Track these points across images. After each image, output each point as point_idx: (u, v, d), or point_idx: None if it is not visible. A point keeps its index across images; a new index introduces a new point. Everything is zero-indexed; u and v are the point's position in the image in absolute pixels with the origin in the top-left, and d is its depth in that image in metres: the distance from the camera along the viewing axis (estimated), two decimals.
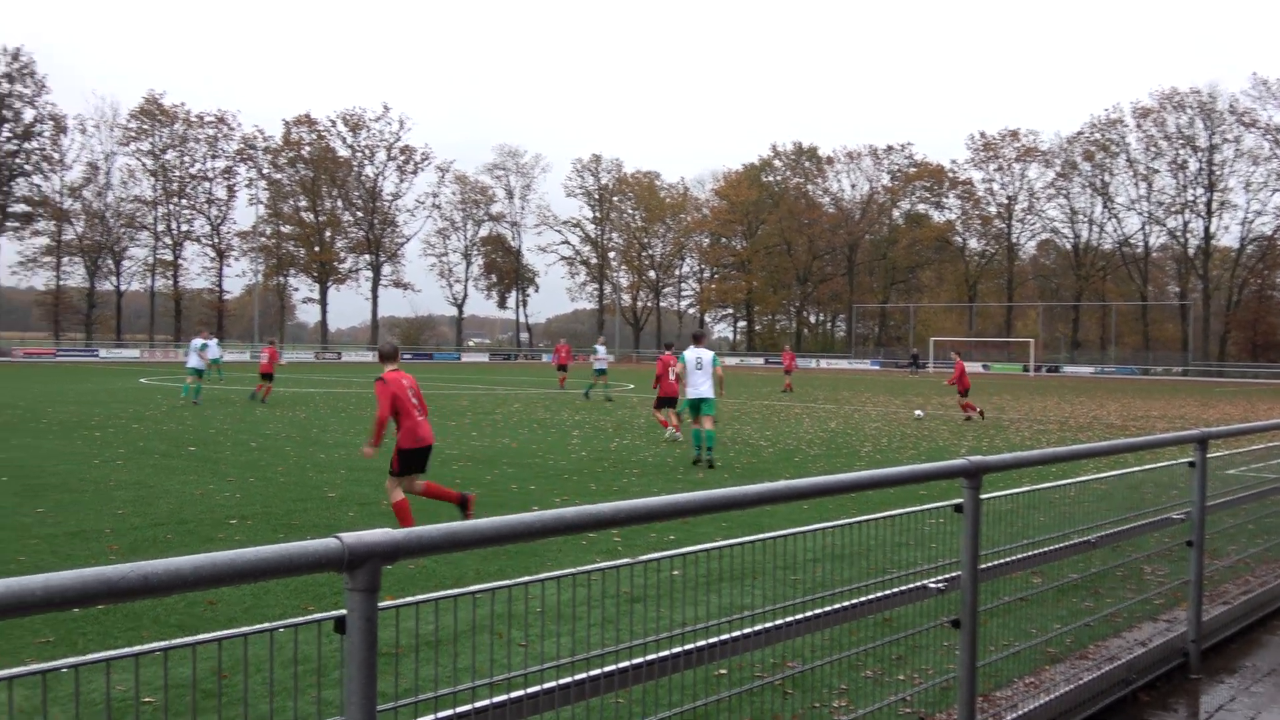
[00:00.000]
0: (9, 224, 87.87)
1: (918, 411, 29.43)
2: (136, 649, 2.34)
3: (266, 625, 2.43)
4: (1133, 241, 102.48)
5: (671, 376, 20.78)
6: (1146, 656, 5.88)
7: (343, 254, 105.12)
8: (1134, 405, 38.25)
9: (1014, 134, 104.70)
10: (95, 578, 1.93)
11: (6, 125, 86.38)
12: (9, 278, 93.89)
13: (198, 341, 30.80)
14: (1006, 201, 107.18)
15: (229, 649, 5.69)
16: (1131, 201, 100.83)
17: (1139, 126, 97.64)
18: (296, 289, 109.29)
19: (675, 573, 7.32)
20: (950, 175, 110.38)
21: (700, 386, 16.87)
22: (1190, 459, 6.46)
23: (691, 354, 17.19)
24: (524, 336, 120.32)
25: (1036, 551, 5.32)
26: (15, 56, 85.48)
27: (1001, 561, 4.97)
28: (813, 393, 43.34)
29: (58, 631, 6.64)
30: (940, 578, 4.38)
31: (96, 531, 10.17)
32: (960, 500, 4.20)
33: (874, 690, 5.40)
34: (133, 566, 1.98)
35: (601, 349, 36.49)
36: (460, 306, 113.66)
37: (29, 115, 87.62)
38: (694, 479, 14.89)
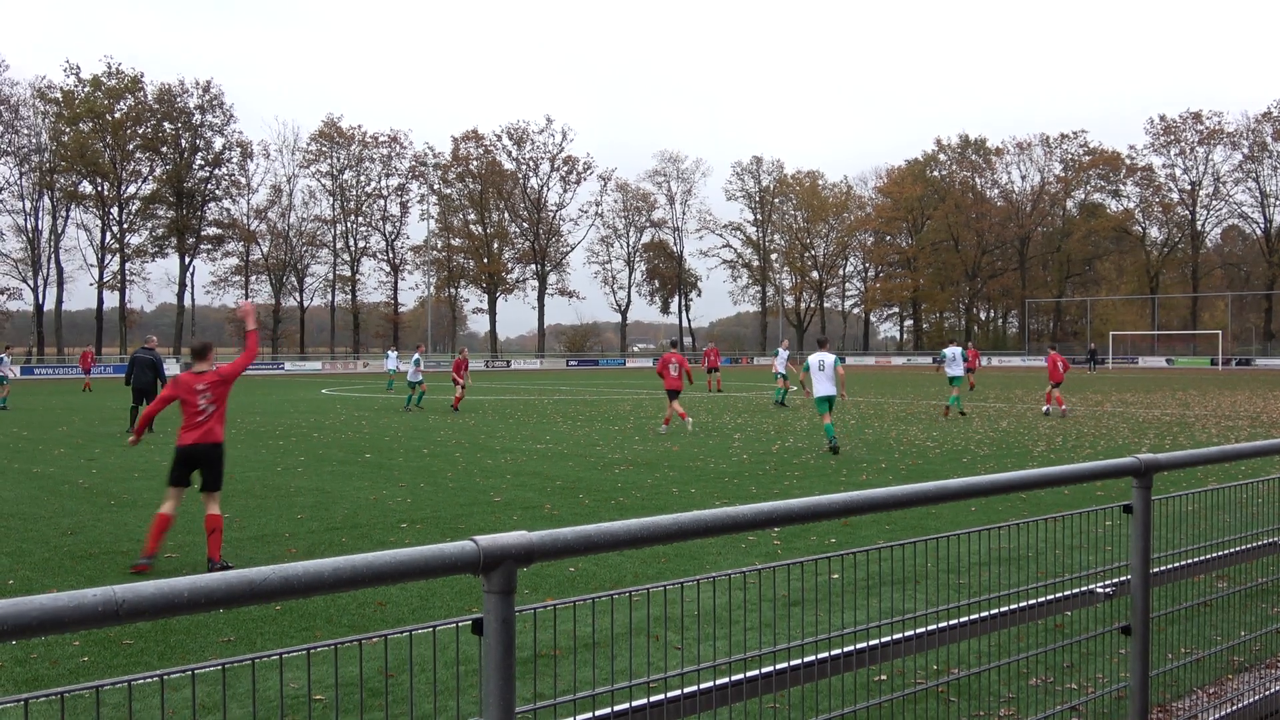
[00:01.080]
0: (202, 246, 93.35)
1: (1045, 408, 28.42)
2: (267, 653, 2.42)
3: (405, 628, 2.47)
4: None
5: (674, 372, 22.78)
6: None
7: (510, 264, 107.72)
8: None
9: (1196, 115, 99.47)
10: (239, 580, 2.00)
11: (199, 154, 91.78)
12: (203, 297, 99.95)
13: (416, 357, 32.47)
14: (1190, 187, 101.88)
15: (394, 648, 5.87)
16: None
17: None
18: (467, 300, 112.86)
19: (835, 575, 7.21)
20: (1128, 162, 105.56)
21: (824, 386, 18.86)
22: None
23: (815, 358, 19.13)
24: (687, 341, 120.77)
25: (1219, 554, 5.00)
26: (206, 89, 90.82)
27: (1179, 564, 4.69)
28: (984, 391, 42.04)
29: (238, 630, 6.97)
30: (1108, 582, 4.16)
31: (277, 535, 10.65)
32: (1129, 501, 3.98)
33: (1042, 699, 5.17)
34: (275, 569, 2.04)
35: (784, 352, 36.18)
36: (624, 313, 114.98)
37: (218, 143, 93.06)
38: (856, 480, 14.63)
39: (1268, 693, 4.93)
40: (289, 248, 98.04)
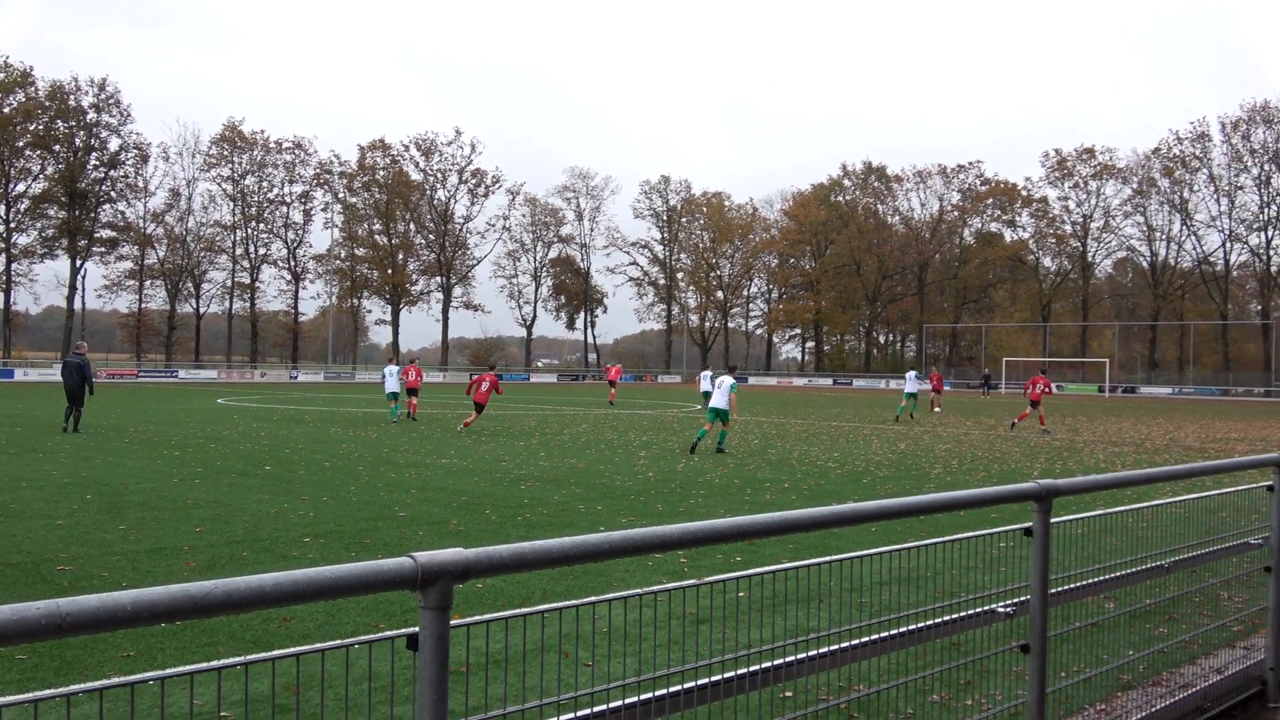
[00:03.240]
0: (95, 249, 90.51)
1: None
2: (219, 663, 2.43)
3: (342, 641, 2.51)
4: (1212, 259, 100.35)
5: (484, 388, 27.09)
6: (1223, 684, 5.75)
7: (415, 276, 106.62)
8: (1213, 427, 37.34)
9: (1089, 151, 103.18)
10: (182, 593, 2.02)
11: (94, 154, 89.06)
12: (94, 301, 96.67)
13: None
14: (1082, 219, 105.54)
15: (304, 664, 5.81)
16: (1212, 218, 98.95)
17: (1227, 140, 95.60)
18: (370, 311, 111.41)
19: (741, 594, 7.33)
20: (1024, 193, 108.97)
21: (719, 400, 22.64)
22: (1270, 483, 6.32)
23: (724, 376, 23.11)
24: (592, 357, 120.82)
25: (1109, 576, 5.24)
26: (101, 87, 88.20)
27: (1073, 586, 4.91)
28: (881, 413, 42.91)
29: (138, 646, 6.82)
30: (1009, 602, 4.35)
31: (175, 549, 10.43)
32: (1030, 524, 4.17)
33: (942, 715, 5.36)
34: (217, 583, 2.07)
35: (706, 373, 38.19)
36: (529, 327, 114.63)
37: (114, 144, 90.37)
38: (761, 500, 14.85)
39: (1153, 709, 5.18)
40: (186, 253, 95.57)
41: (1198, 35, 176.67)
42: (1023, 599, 4.39)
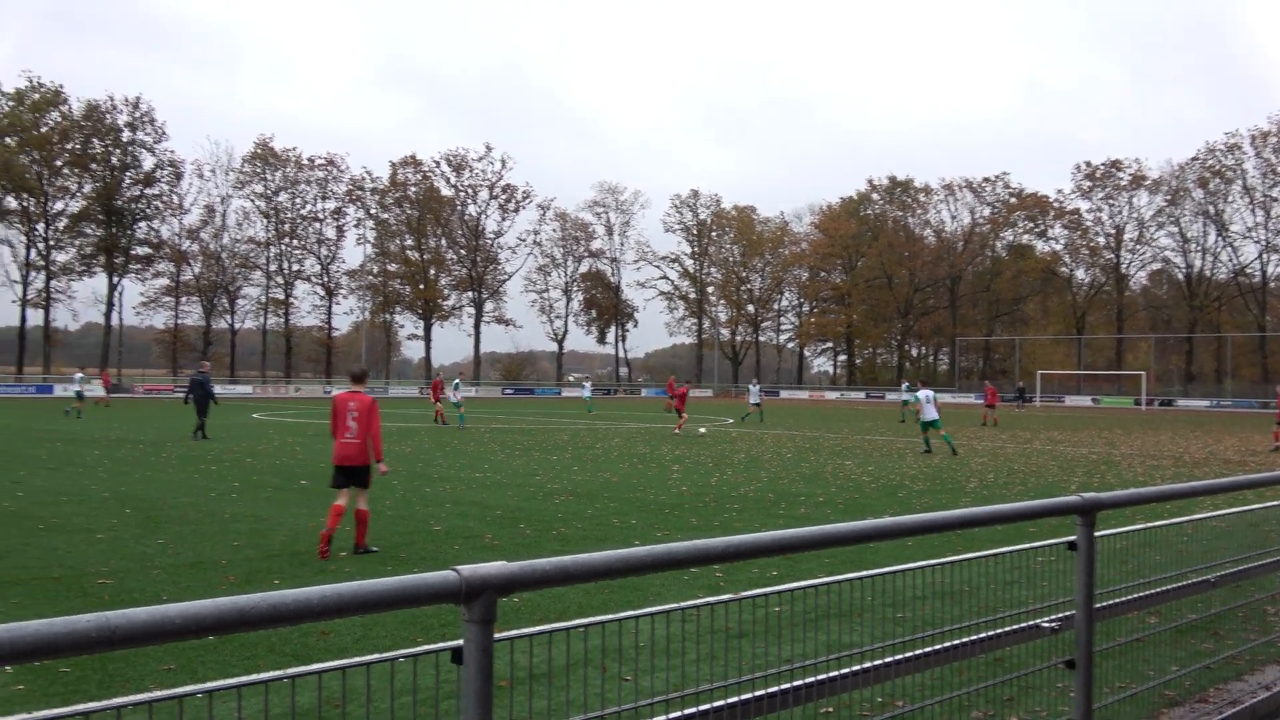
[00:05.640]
0: (132, 266, 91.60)
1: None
2: (264, 675, 2.44)
3: (387, 655, 2.51)
4: (1249, 270, 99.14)
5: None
6: (1271, 701, 5.66)
7: (446, 291, 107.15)
8: (1253, 440, 36.83)
9: (1117, 164, 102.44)
10: (229, 606, 2.03)
11: (129, 172, 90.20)
12: (132, 317, 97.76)
13: (457, 380, 40.31)
14: (1115, 231, 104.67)
15: (342, 678, 5.83)
16: (1248, 229, 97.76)
17: (1257, 153, 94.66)
18: (402, 325, 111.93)
19: (778, 609, 7.29)
20: (1055, 205, 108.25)
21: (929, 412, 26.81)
22: None
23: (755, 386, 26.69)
24: (623, 371, 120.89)
25: (1153, 591, 5.17)
26: (135, 105, 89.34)
27: (1116, 601, 4.85)
28: (914, 428, 42.62)
29: (179, 659, 6.87)
30: (1054, 617, 4.30)
31: (213, 562, 10.50)
32: (1073, 538, 4.12)
33: None
34: (263, 596, 2.08)
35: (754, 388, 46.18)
36: (560, 342, 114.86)
37: (149, 162, 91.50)
38: (796, 514, 14.79)
39: None
40: (221, 269, 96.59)
41: (1223, 46, 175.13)
42: (1066, 614, 4.33)
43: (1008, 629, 4.29)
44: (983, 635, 4.22)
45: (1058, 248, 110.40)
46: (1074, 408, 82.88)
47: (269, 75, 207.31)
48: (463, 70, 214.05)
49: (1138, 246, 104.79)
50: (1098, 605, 4.46)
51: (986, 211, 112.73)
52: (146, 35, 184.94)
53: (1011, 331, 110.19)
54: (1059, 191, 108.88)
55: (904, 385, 48.46)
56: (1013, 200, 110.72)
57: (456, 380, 40.28)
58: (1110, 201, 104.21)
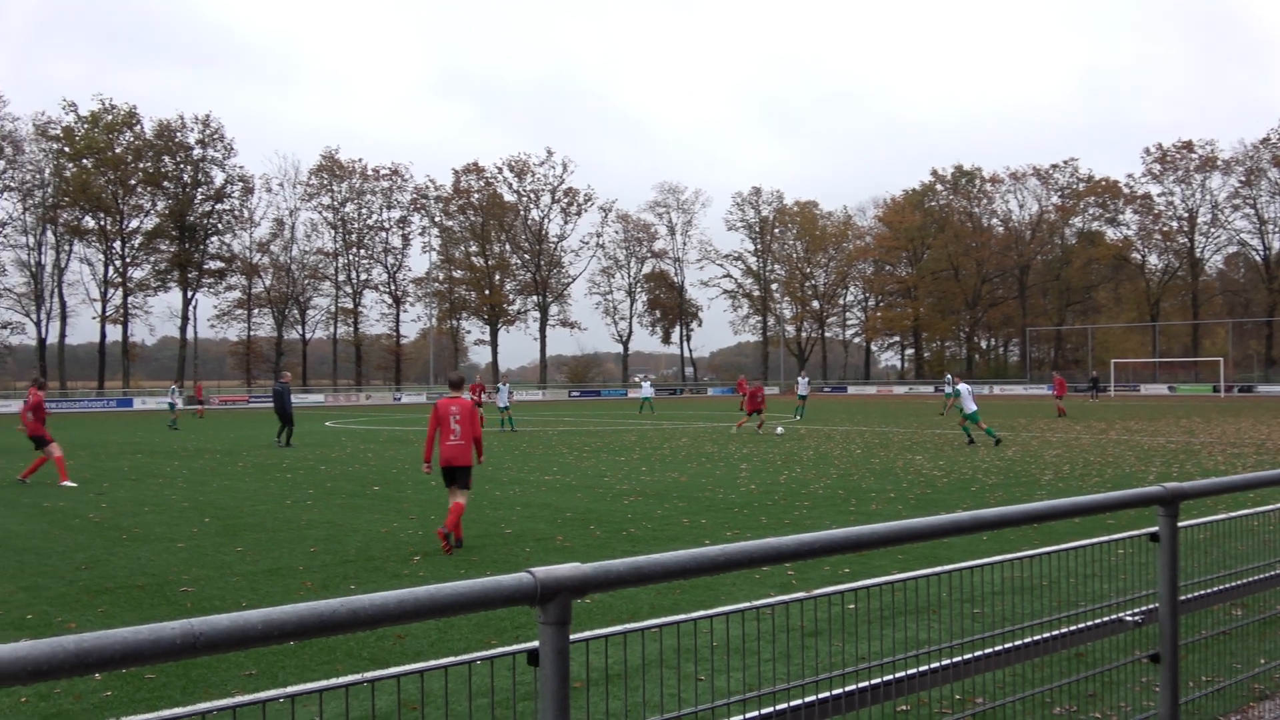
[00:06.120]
0: (205, 280, 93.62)
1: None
2: (345, 680, 2.47)
3: (464, 657, 2.53)
4: None
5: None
6: None
7: (511, 296, 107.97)
8: None
9: (1188, 145, 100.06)
10: (309, 612, 2.06)
11: (201, 188, 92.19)
12: (206, 330, 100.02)
13: (500, 386, 41.13)
14: (1188, 214, 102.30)
15: (416, 681, 5.89)
16: None
17: None
18: (469, 331, 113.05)
19: (851, 606, 7.24)
20: (1126, 190, 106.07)
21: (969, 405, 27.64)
22: None
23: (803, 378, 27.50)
24: (689, 371, 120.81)
25: (1238, 582, 5.04)
26: (205, 123, 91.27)
27: (1200, 594, 4.73)
28: (988, 420, 42.08)
29: (259, 664, 6.99)
30: (1136, 610, 4.20)
31: (291, 569, 10.68)
32: (1155, 529, 4.03)
33: None
34: (343, 601, 2.10)
35: (803, 380, 46.96)
36: (625, 343, 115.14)
37: (219, 178, 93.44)
38: (867, 510, 14.65)
39: None
40: (291, 280, 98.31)
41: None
42: (1149, 607, 4.24)
43: (1088, 624, 4.21)
44: (1063, 630, 4.14)
45: (1129, 233, 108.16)
46: (1149, 396, 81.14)
47: (325, 91, 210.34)
48: (514, 78, 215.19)
49: (1212, 229, 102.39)
50: (1186, 597, 4.36)
51: (1055, 198, 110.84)
52: (205, 56, 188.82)
53: (1083, 320, 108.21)
54: (1129, 176, 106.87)
55: (947, 377, 48.67)
56: (1082, 186, 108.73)
57: (500, 385, 40.96)
58: (1182, 184, 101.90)
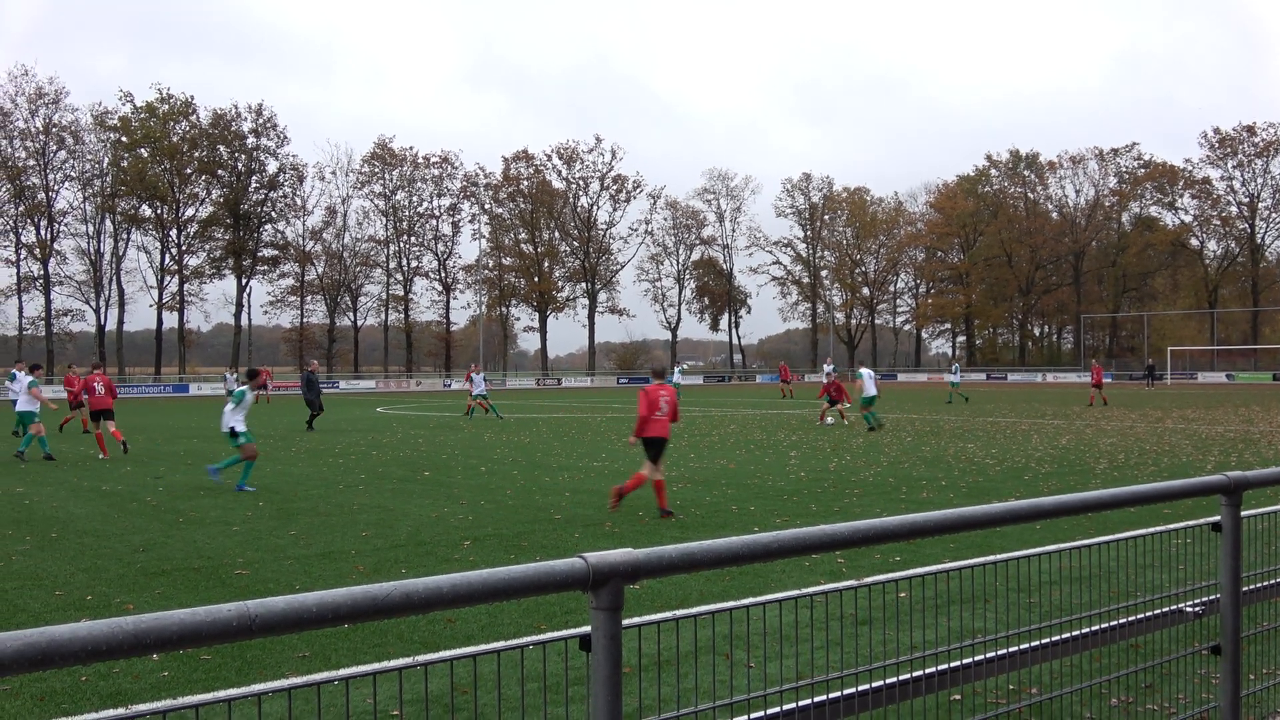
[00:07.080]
0: (259, 267, 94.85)
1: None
2: (398, 662, 2.48)
3: (516, 642, 2.53)
4: None
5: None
6: None
7: (560, 283, 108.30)
8: None
9: (1250, 129, 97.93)
10: (363, 595, 2.07)
11: (254, 177, 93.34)
12: (260, 317, 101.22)
13: (472, 373, 39.07)
14: (1248, 199, 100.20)
15: (468, 665, 5.93)
16: None
17: None
18: (518, 318, 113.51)
19: (903, 595, 7.18)
20: (1185, 174, 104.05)
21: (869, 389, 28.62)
22: None
23: (865, 370, 29.51)
24: (737, 358, 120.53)
25: None
26: (259, 112, 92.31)
27: (1262, 585, 4.63)
28: (1041, 408, 41.58)
29: (312, 647, 7.07)
30: (1196, 601, 4.12)
31: (343, 552, 10.79)
32: (1217, 518, 3.95)
33: None
34: (396, 585, 2.11)
35: (829, 366, 47.91)
36: (674, 330, 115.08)
37: (273, 166, 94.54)
38: (917, 498, 14.54)
39: None
40: (343, 268, 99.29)
41: None
42: (1210, 598, 4.16)
43: (1146, 614, 4.13)
44: (1120, 621, 4.07)
45: (1187, 219, 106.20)
46: (1207, 384, 79.70)
47: (365, 82, 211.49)
48: (548, 66, 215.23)
49: (1273, 214, 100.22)
50: (1249, 588, 4.27)
51: (1113, 183, 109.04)
52: (245, 47, 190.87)
53: (1139, 307, 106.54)
54: (1186, 160, 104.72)
55: (954, 367, 50.49)
56: (1141, 171, 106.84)
57: (472, 373, 38.63)
58: (1242, 169, 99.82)
